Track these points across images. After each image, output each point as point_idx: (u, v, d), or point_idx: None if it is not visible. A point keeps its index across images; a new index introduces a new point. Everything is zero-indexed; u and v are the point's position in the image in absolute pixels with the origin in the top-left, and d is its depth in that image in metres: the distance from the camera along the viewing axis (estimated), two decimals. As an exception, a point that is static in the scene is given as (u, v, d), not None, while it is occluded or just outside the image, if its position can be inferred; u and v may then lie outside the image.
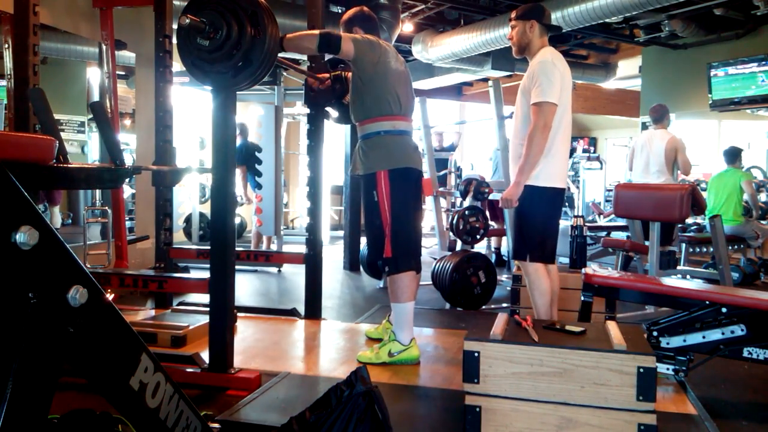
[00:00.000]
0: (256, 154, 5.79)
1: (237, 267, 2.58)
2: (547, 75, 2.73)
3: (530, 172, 2.80)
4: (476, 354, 1.81)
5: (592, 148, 15.42)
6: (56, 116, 2.34)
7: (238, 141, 5.97)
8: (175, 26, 2.80)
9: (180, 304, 3.80)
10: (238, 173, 6.14)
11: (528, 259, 2.87)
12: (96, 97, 4.91)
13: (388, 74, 2.81)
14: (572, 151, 7.56)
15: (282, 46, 2.57)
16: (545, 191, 2.82)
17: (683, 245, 5.21)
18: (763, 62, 6.78)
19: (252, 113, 6.15)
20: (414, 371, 2.72)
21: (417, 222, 2.96)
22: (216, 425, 2.03)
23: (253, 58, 2.25)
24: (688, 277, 4.43)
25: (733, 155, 5.66)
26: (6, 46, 3.64)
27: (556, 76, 2.74)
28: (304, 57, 5.47)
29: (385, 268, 2.83)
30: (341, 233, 6.48)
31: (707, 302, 2.42)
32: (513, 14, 2.94)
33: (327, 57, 3.51)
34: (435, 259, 4.83)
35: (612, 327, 1.95)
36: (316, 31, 2.68)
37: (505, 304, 4.23)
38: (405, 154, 2.84)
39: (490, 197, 4.71)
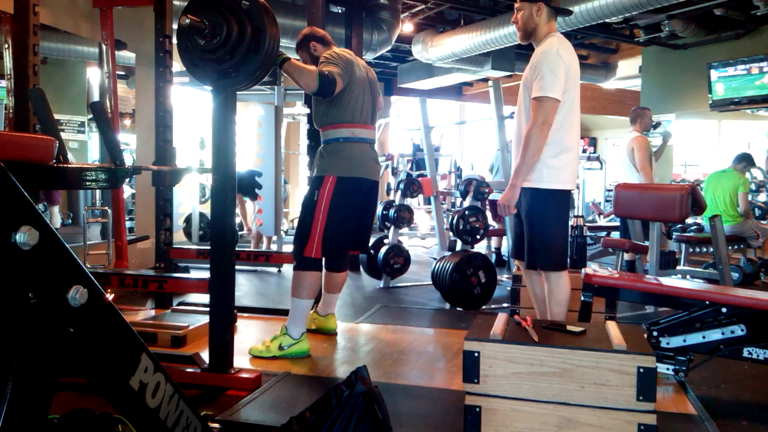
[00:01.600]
0: (256, 178, 5.75)
1: (237, 267, 2.58)
2: (550, 67, 2.50)
3: (527, 173, 2.59)
4: (476, 354, 1.80)
5: (591, 148, 15.43)
6: (56, 116, 2.34)
7: None
8: (175, 26, 2.80)
9: (180, 304, 3.80)
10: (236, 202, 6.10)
11: (547, 267, 2.70)
12: (96, 97, 4.91)
13: (352, 84, 2.86)
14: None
15: (281, 66, 2.62)
16: (553, 194, 2.64)
17: (683, 245, 5.21)
18: (763, 62, 6.78)
19: (252, 113, 6.15)
20: (414, 371, 2.72)
21: (357, 228, 3.01)
22: (216, 425, 2.02)
23: (242, 70, 2.26)
24: (688, 277, 4.43)
25: (740, 159, 5.65)
26: (6, 46, 3.63)
27: (561, 68, 2.50)
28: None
29: (294, 262, 2.91)
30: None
31: (707, 302, 2.42)
32: None
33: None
34: (435, 259, 4.83)
35: (612, 327, 1.95)
36: (315, 70, 2.69)
37: (505, 304, 4.23)
38: (359, 163, 2.89)
39: (491, 197, 4.71)
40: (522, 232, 2.80)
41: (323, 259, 2.97)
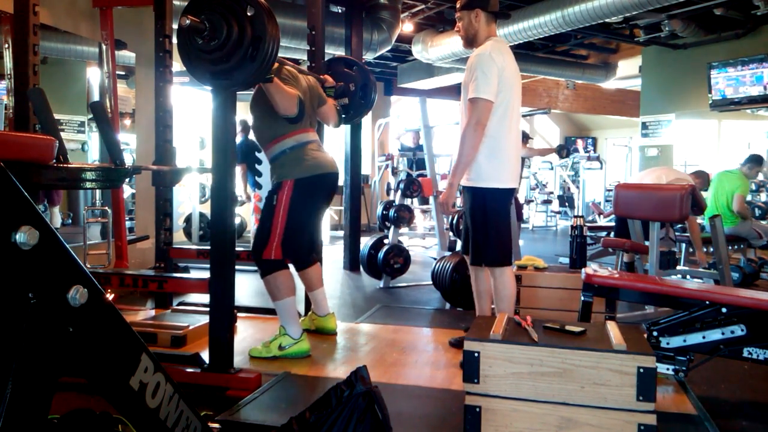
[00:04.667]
0: (256, 153, 5.79)
1: (237, 267, 2.58)
2: (483, 70, 2.61)
3: (463, 172, 2.70)
4: (476, 354, 1.81)
5: (591, 149, 15.43)
6: (56, 116, 2.33)
7: (239, 138, 5.97)
8: (175, 26, 2.80)
9: (180, 304, 3.80)
10: (238, 171, 6.15)
11: (491, 263, 2.78)
12: (96, 97, 4.91)
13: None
14: (573, 150, 7.56)
15: (267, 81, 2.57)
16: (492, 192, 2.73)
17: (683, 245, 5.21)
18: (763, 62, 6.78)
19: (252, 113, 6.14)
20: (414, 371, 2.72)
21: (314, 226, 3.05)
22: (216, 425, 2.02)
23: (234, 78, 2.28)
24: (688, 277, 4.43)
25: (748, 160, 5.61)
26: (6, 46, 3.64)
27: (493, 70, 2.61)
28: (305, 57, 5.48)
29: (259, 267, 2.90)
30: (341, 233, 6.48)
31: (707, 302, 2.42)
32: (457, 5, 2.82)
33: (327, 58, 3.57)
34: (435, 259, 4.83)
35: (612, 327, 1.95)
36: (296, 95, 2.73)
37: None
38: (313, 162, 2.87)
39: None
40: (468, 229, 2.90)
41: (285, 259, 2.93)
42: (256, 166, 5.78)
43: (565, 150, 7.23)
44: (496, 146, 2.69)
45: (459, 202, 5.20)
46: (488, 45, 2.70)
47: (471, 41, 2.82)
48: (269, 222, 2.83)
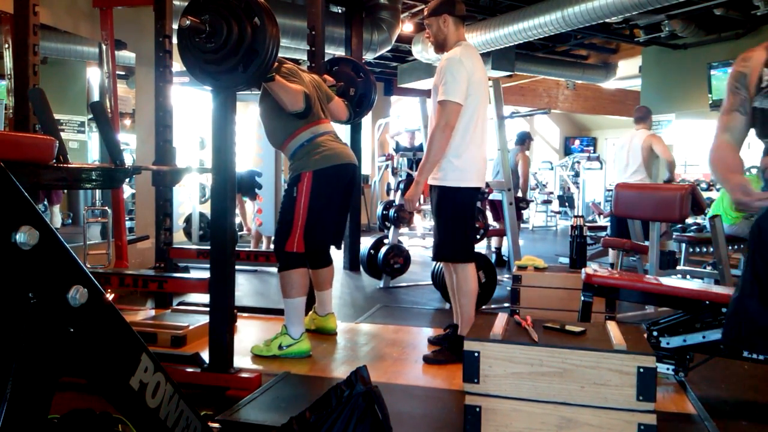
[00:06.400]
0: (256, 178, 5.77)
1: (237, 267, 2.58)
2: (452, 73, 2.67)
3: (430, 171, 2.76)
4: (476, 354, 1.81)
5: (591, 148, 15.44)
6: (56, 116, 2.34)
7: None
8: (175, 26, 2.80)
9: (180, 304, 3.80)
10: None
11: (452, 260, 2.85)
12: (96, 97, 4.92)
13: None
14: (572, 150, 7.55)
15: (268, 80, 2.57)
16: (458, 191, 2.78)
17: (683, 245, 5.20)
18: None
19: (252, 113, 6.15)
20: (414, 371, 2.72)
21: (337, 220, 3.02)
22: (216, 425, 2.03)
23: (222, 81, 2.30)
24: (688, 277, 4.42)
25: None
26: (6, 46, 3.64)
27: (462, 74, 2.68)
28: (305, 57, 5.49)
29: (278, 263, 2.89)
30: (341, 233, 6.47)
31: (707, 302, 2.42)
32: (425, 12, 2.90)
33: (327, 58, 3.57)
34: (435, 259, 4.83)
35: (612, 327, 1.95)
36: (301, 90, 2.74)
37: (505, 304, 4.23)
38: (330, 152, 2.87)
39: (491, 197, 4.70)
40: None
41: (305, 256, 2.93)
42: (256, 178, 5.78)
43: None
44: (464, 147, 2.76)
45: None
46: (458, 50, 2.76)
47: (441, 46, 2.88)
48: (290, 214, 2.83)
